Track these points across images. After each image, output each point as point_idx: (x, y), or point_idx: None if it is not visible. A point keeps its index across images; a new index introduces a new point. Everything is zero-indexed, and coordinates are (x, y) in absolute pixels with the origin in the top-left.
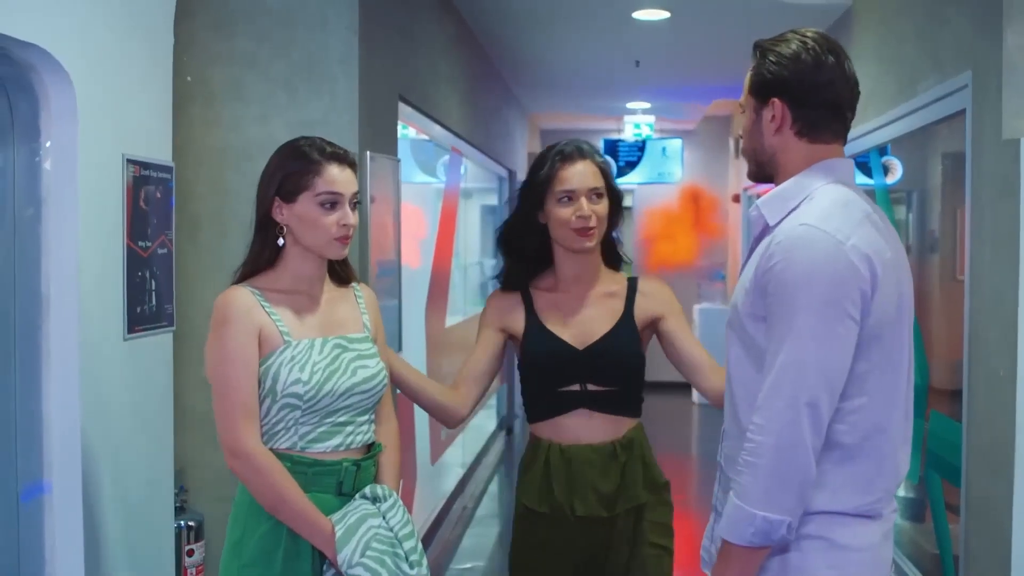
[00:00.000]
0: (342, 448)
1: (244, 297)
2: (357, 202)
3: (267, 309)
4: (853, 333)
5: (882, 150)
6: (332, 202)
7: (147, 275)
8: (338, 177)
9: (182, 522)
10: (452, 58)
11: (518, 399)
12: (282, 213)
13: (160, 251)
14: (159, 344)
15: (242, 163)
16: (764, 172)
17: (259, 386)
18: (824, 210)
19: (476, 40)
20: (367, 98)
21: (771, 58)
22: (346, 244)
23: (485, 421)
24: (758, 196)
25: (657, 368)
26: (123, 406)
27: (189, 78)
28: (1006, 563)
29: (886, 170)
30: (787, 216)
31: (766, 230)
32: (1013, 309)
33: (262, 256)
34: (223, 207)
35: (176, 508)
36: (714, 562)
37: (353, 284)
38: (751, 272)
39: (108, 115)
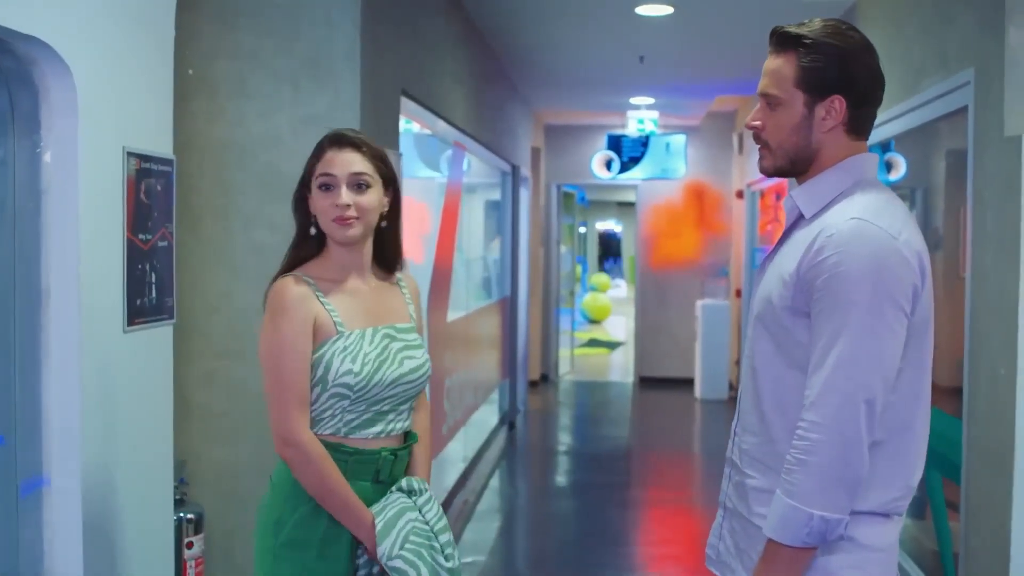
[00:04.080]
0: (382, 435)
1: (299, 287)
2: (363, 184)
3: (321, 299)
4: (904, 329)
5: (885, 146)
6: (327, 184)
7: (147, 268)
8: (333, 159)
9: (182, 515)
10: (457, 54)
11: (520, 394)
12: (309, 203)
13: (161, 244)
14: (159, 337)
15: (244, 158)
16: (796, 168)
17: (311, 374)
18: (873, 206)
19: (481, 36)
20: (370, 93)
21: (829, 53)
22: (345, 225)
23: (487, 416)
24: (762, 192)
25: (659, 364)
26: (123, 399)
27: (191, 71)
28: (1005, 560)
29: (889, 166)
30: (825, 209)
31: (799, 222)
32: (1014, 307)
33: (301, 246)
34: (225, 201)
35: (176, 501)
36: (749, 564)
37: (397, 274)
38: (791, 265)
39: (109, 108)
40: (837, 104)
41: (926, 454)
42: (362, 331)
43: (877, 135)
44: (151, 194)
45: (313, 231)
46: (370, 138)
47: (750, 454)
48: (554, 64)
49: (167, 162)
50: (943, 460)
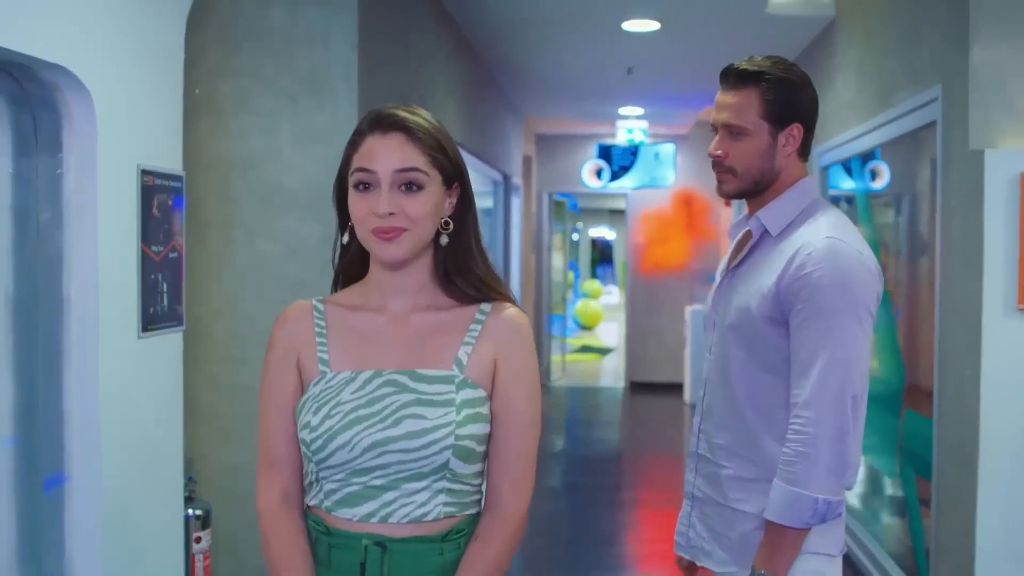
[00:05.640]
0: (374, 519)
1: (296, 313)
2: (413, 183)
3: (319, 329)
4: (872, 331)
5: (869, 156)
6: (365, 183)
7: (159, 278)
8: (374, 148)
9: (190, 511)
10: (449, 66)
11: None
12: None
13: (171, 255)
14: (170, 342)
15: (248, 172)
16: (758, 189)
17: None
18: (838, 226)
19: (472, 49)
20: (367, 108)
21: (787, 87)
22: (386, 240)
23: None
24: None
25: (650, 369)
26: (137, 400)
27: (198, 91)
28: (971, 551)
29: (873, 175)
30: (789, 228)
31: (764, 240)
32: (978, 312)
33: (341, 261)
34: (230, 213)
35: (185, 498)
36: (746, 550)
37: (482, 305)
38: (770, 280)
39: (124, 128)
40: (795, 131)
41: (897, 451)
42: (351, 373)
43: (856, 147)
44: (162, 208)
45: (346, 238)
46: (427, 115)
47: (725, 448)
48: (544, 76)
49: (177, 178)
50: (918, 459)
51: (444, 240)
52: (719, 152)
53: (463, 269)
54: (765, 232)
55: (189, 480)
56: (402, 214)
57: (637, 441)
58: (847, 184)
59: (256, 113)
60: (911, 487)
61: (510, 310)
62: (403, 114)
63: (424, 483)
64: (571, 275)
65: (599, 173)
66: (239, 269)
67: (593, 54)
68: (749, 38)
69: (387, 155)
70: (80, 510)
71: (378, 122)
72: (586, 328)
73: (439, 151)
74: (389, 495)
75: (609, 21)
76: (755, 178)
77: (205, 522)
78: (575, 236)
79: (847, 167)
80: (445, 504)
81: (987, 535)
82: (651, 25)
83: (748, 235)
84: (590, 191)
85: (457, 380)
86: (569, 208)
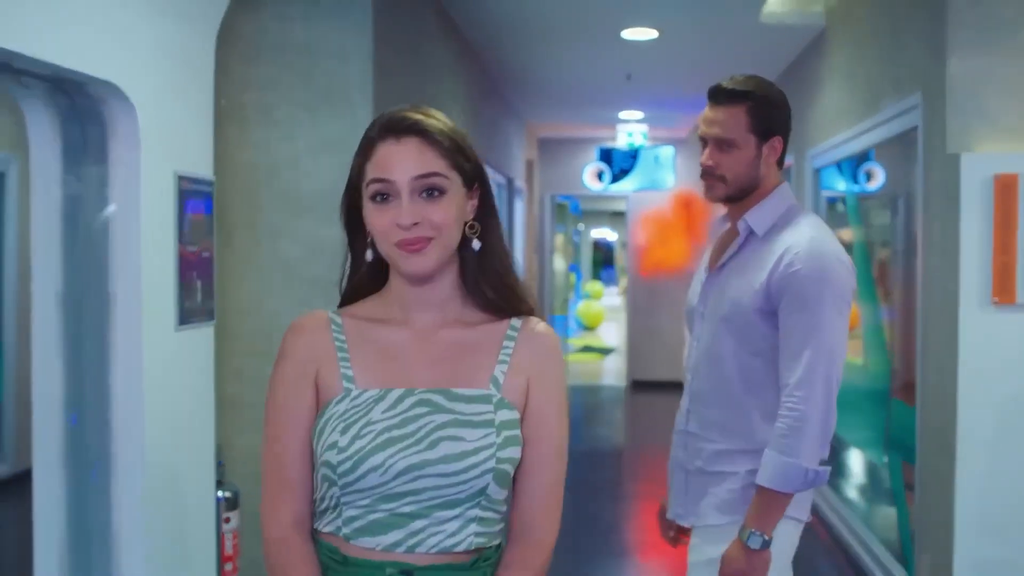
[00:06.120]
0: (399, 549)
1: (313, 325)
2: (435, 188)
3: (339, 342)
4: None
5: (863, 157)
6: (383, 194)
7: (194, 276)
8: (389, 156)
9: (220, 493)
10: (454, 74)
11: None
12: (364, 217)
13: (204, 255)
14: (203, 335)
15: (271, 177)
16: (743, 194)
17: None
18: (819, 228)
19: (476, 56)
20: None
21: (770, 105)
22: (413, 252)
23: None
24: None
25: (651, 367)
26: (175, 388)
27: (224, 102)
28: (951, 528)
29: (868, 176)
30: (773, 229)
31: (751, 240)
32: (955, 306)
33: (355, 276)
34: (254, 217)
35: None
36: (735, 513)
37: (513, 320)
38: (761, 276)
39: (163, 137)
40: (777, 144)
41: (885, 439)
42: (381, 391)
43: (846, 150)
44: (195, 211)
45: (370, 255)
46: (440, 115)
47: (715, 424)
48: (546, 82)
49: (209, 183)
50: (904, 446)
51: (476, 245)
52: (711, 163)
53: (490, 276)
54: (751, 233)
55: (219, 464)
56: (426, 223)
57: (638, 437)
58: (840, 185)
59: (278, 123)
60: (897, 474)
61: (541, 326)
62: (416, 116)
63: (456, 511)
64: (572, 276)
65: (600, 175)
66: (263, 269)
67: (593, 61)
68: (744, 46)
69: (404, 162)
70: (124, 488)
71: (390, 127)
72: (588, 329)
73: (458, 152)
74: (418, 523)
75: (609, 30)
76: (742, 185)
77: (233, 503)
78: (576, 239)
79: (839, 168)
80: (476, 534)
81: (965, 513)
82: (650, 34)
83: (734, 235)
84: (592, 193)
85: (495, 399)
86: (571, 210)
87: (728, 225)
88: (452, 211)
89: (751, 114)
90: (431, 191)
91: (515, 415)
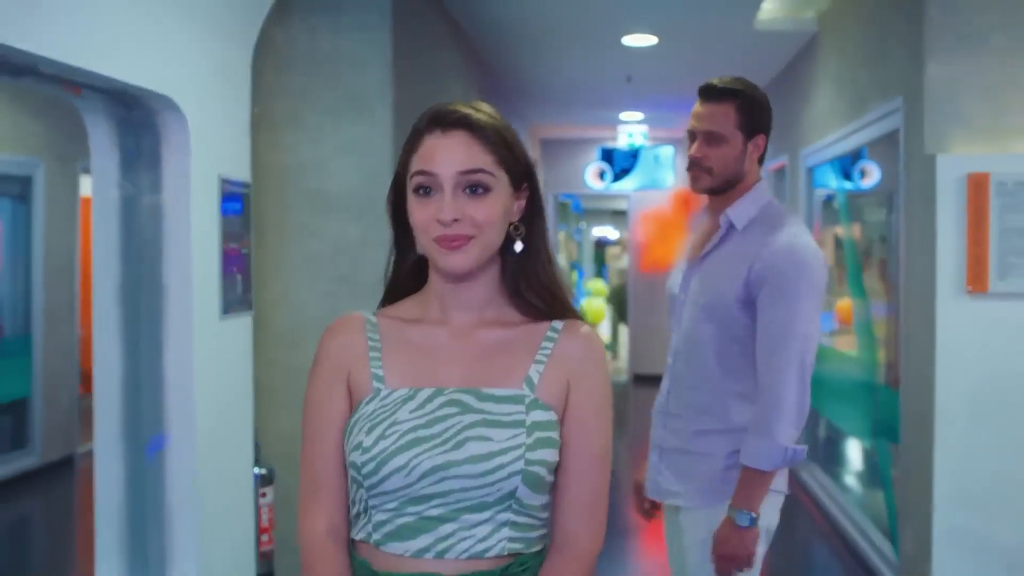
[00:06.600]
0: (429, 555)
1: (346, 326)
2: (480, 185)
3: (372, 343)
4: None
5: (857, 155)
6: (426, 187)
7: (234, 269)
8: (435, 148)
9: (256, 470)
10: (463, 79)
11: None
12: (408, 212)
13: (243, 251)
14: (243, 323)
15: (299, 179)
16: (727, 187)
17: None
18: (797, 225)
19: (484, 62)
20: (399, 122)
21: (757, 105)
22: (452, 249)
23: None
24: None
25: (652, 361)
26: (220, 371)
27: (257, 109)
28: (930, 502)
29: (862, 174)
30: (752, 223)
31: (731, 233)
32: (932, 298)
33: (396, 274)
34: (283, 216)
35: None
36: (722, 492)
37: (554, 322)
38: (743, 267)
39: (209, 144)
40: (760, 141)
41: (875, 425)
42: (410, 391)
43: (836, 150)
44: (235, 211)
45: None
46: (490, 110)
47: (696, 405)
48: (549, 85)
49: (246, 185)
50: (890, 429)
51: (519, 247)
52: (699, 155)
53: (531, 280)
54: (731, 227)
55: (255, 445)
56: (467, 220)
57: (640, 427)
58: (832, 183)
59: (305, 127)
60: (885, 456)
61: (585, 329)
62: (465, 110)
63: (486, 514)
64: (575, 274)
65: (602, 175)
66: (292, 265)
67: (595, 66)
68: (739, 51)
69: (449, 155)
70: (177, 465)
71: (438, 120)
72: (590, 325)
73: (506, 149)
74: (446, 527)
75: (610, 36)
76: (727, 178)
77: (268, 479)
78: (578, 237)
79: (831, 166)
80: (510, 540)
81: (943, 487)
82: (649, 40)
83: (715, 227)
84: (593, 192)
85: (528, 400)
86: (572, 209)
87: (708, 218)
88: (496, 210)
89: (740, 111)
90: (475, 188)
91: (550, 416)
